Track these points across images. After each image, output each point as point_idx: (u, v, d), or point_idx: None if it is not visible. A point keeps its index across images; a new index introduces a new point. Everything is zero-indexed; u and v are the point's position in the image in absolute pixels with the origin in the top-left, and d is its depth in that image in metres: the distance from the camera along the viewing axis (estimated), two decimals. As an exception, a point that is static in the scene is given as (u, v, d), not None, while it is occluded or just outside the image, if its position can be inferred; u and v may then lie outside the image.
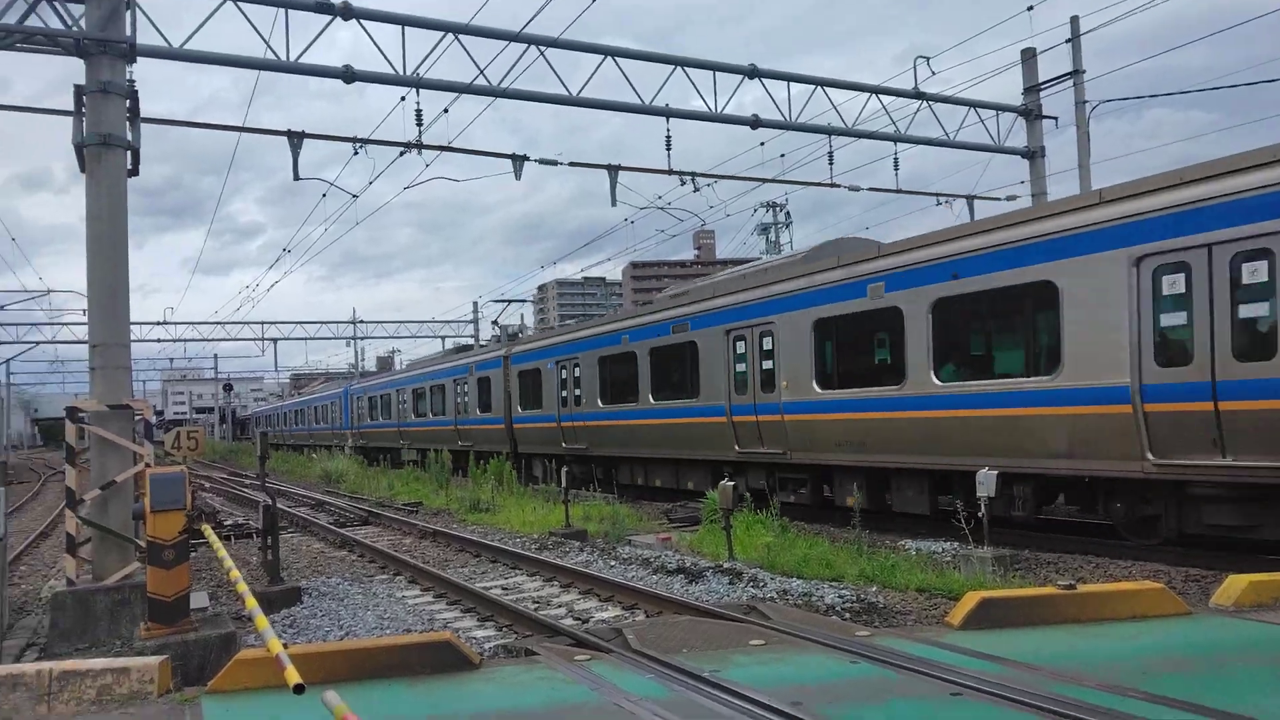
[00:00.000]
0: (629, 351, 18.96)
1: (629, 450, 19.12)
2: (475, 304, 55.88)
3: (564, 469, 15.33)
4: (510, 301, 50.84)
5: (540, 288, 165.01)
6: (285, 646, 5.24)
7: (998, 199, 24.30)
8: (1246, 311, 9.21)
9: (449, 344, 53.13)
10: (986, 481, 10.76)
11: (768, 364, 15.13)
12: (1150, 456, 9.90)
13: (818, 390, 14.16)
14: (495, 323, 47.85)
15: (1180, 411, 9.62)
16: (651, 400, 18.18)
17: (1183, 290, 9.69)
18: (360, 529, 17.78)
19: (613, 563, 12.05)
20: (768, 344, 15.17)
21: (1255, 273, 9.15)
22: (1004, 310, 11.68)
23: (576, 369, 21.04)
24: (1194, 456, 9.54)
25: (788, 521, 13.18)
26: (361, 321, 57.36)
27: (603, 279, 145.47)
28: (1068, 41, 21.65)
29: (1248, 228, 9.11)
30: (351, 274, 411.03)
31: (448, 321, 57.14)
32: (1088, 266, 10.48)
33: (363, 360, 73.63)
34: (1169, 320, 9.82)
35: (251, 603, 6.08)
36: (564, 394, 21.51)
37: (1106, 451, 10.32)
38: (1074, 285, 10.62)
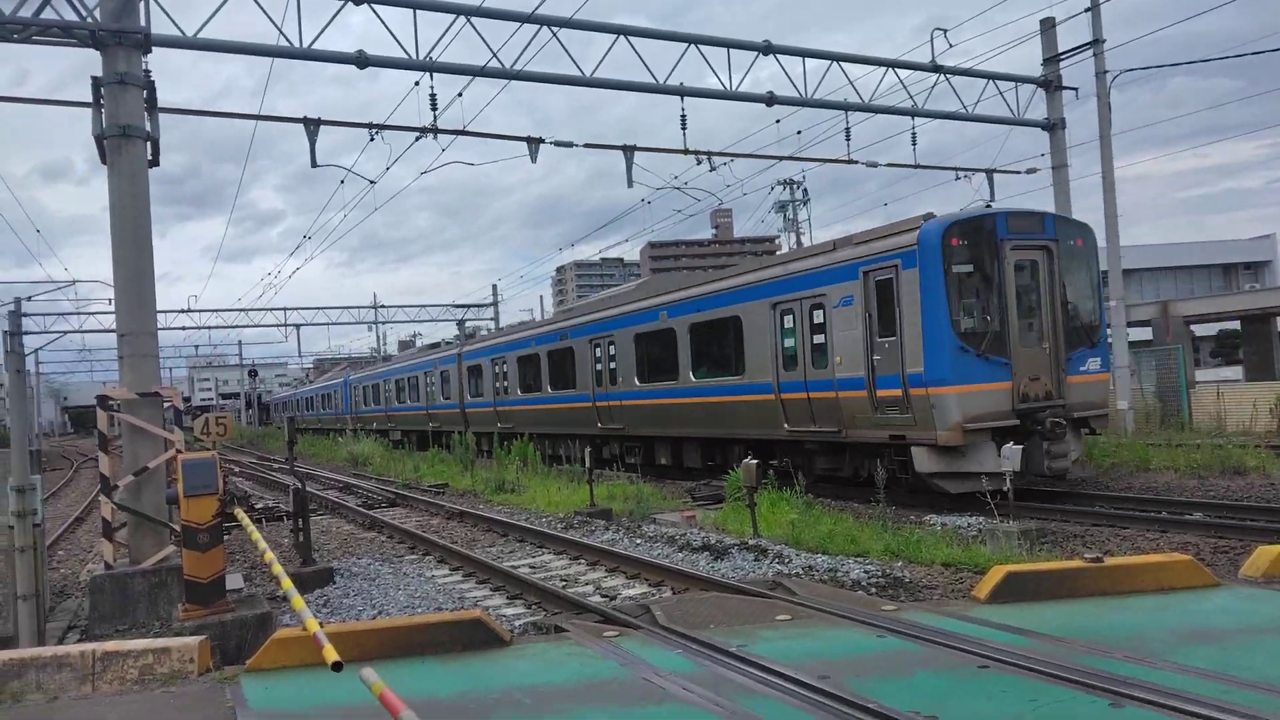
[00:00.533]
0: (535, 353, 24.60)
1: (539, 427, 24.44)
2: (495, 287, 55.96)
3: (587, 449, 15.43)
4: (469, 306, 53.25)
5: (559, 269, 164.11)
6: (321, 626, 5.35)
7: (1017, 172, 24.00)
8: (816, 339, 14.46)
9: (468, 327, 53.50)
10: (1012, 457, 10.74)
11: (613, 365, 20.57)
12: (785, 426, 15.20)
13: (638, 384, 19.63)
14: (460, 322, 50.84)
15: (794, 398, 14.97)
16: (549, 390, 23.73)
17: (792, 325, 15.02)
18: (388, 510, 18.00)
19: (638, 541, 12.11)
20: (613, 350, 20.60)
21: (818, 315, 14.44)
22: (720, 333, 16.95)
23: (504, 365, 26.85)
24: (803, 426, 14.86)
25: (812, 499, 13.21)
26: (382, 306, 57.43)
27: (620, 260, 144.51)
28: (1087, 10, 21.29)
29: (815, 289, 14.47)
30: (371, 259, 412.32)
31: (467, 305, 57.13)
32: (754, 308, 15.89)
33: (385, 344, 74.07)
34: (788, 343, 15.15)
35: (287, 583, 6.20)
36: (496, 385, 27.47)
37: (768, 424, 15.61)
38: (748, 319, 16.01)
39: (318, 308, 54.57)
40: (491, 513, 15.58)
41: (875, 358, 13.25)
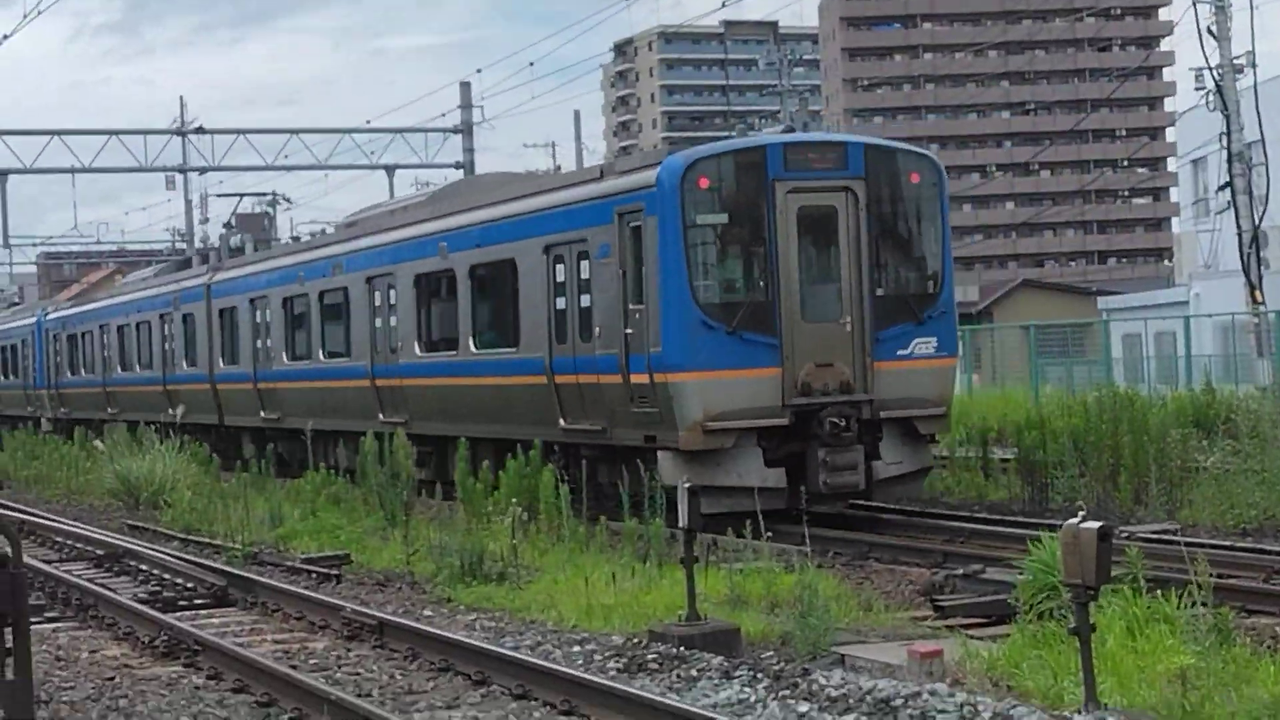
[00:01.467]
0: (303, 294, 19.01)
1: (315, 419, 18.22)
2: (466, 87, 29.92)
3: (684, 484, 7.52)
4: (402, 132, 30.10)
5: (620, 47, 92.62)
6: None
7: None
8: (583, 300, 12.78)
9: (409, 183, 32.11)
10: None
11: (394, 321, 16.33)
12: (562, 421, 12.77)
13: (419, 353, 15.82)
14: (232, 216, 30.84)
15: (567, 382, 12.61)
16: (323, 358, 18.46)
17: (564, 279, 13.07)
18: (209, 616, 9.85)
19: (808, 711, 6.34)
20: (393, 298, 16.15)
21: (584, 267, 12.74)
22: (500, 282, 14.30)
23: (267, 310, 20.46)
24: (578, 422, 12.62)
25: (1227, 613, 6.49)
26: (199, 130, 30.66)
27: (773, 25, 79.45)
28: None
29: (580, 230, 12.83)
30: (176, 23, 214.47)
31: (397, 130, 30.35)
32: (527, 249, 13.59)
33: (204, 219, 41.22)
34: (560, 303, 12.98)
35: None
36: (258, 344, 21.09)
37: (544, 419, 13.02)
38: (524, 265, 13.59)
39: (51, 131, 28.81)
40: (453, 627, 8.29)
41: (628, 331, 11.67)
